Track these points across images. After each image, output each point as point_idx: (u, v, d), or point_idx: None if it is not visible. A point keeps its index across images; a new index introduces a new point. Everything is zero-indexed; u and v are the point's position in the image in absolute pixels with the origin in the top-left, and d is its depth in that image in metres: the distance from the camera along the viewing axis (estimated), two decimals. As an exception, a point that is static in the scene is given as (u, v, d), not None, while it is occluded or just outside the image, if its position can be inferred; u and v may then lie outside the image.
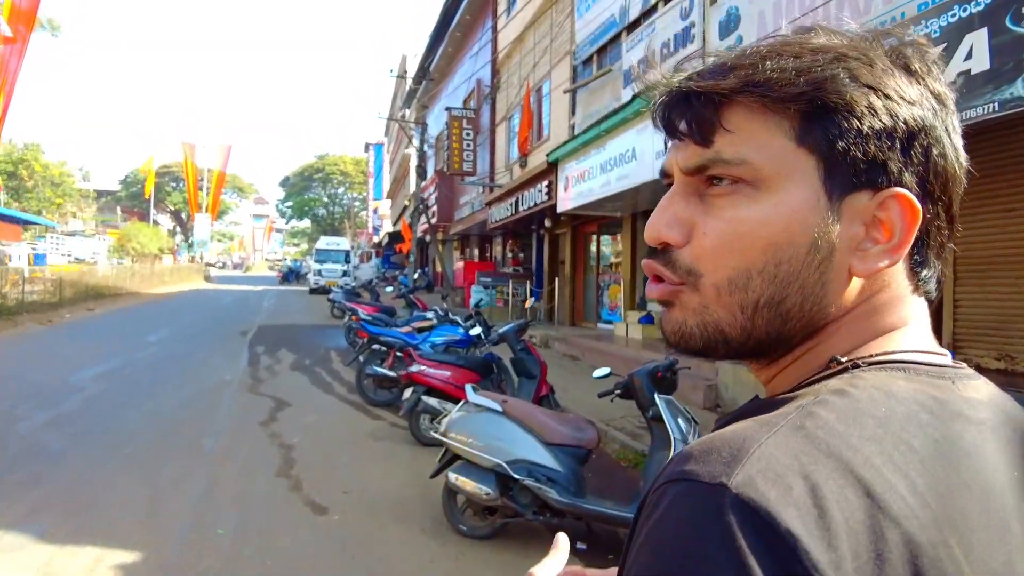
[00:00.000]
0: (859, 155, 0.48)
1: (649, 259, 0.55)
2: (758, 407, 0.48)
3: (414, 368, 5.93)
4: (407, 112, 29.33)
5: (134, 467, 5.03)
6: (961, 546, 0.41)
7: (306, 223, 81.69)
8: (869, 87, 0.48)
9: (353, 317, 12.12)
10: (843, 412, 0.43)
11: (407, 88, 30.99)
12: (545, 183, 12.34)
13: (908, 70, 0.51)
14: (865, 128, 0.48)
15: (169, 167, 60.34)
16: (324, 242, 31.15)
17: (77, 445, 5.58)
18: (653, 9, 9.49)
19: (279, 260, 58.43)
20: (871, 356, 0.49)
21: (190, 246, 56.28)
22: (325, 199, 76.47)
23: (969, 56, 4.47)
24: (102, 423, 6.31)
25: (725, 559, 0.36)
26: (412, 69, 28.00)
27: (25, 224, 28.59)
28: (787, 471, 0.39)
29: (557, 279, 12.82)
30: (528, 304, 7.03)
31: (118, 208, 60.91)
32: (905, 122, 0.49)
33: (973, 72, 4.41)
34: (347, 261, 29.91)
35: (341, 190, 76.45)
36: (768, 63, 0.49)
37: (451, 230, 23.33)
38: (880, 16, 5.32)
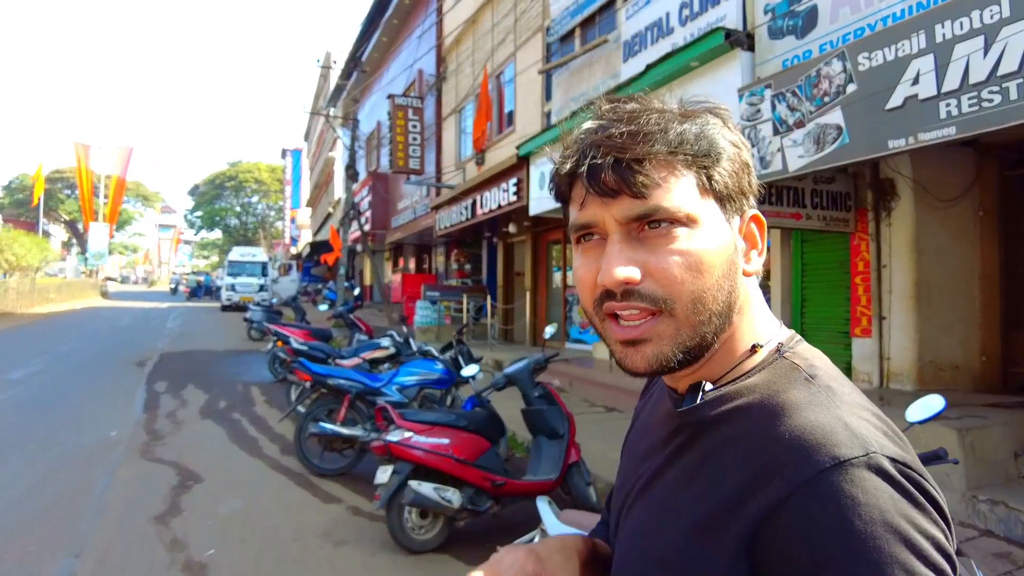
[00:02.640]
0: (735, 190, 0.66)
1: (609, 302, 0.64)
2: (738, 393, 0.65)
3: (393, 436, 3.93)
4: (333, 110, 26.84)
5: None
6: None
7: (217, 234, 76.89)
8: (727, 139, 0.66)
9: (278, 343, 9.94)
10: (832, 377, 0.63)
11: (332, 86, 28.59)
12: (513, 181, 10.49)
13: (723, 120, 0.67)
14: (733, 169, 0.66)
15: (62, 172, 54.92)
16: (238, 253, 28.03)
17: None
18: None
19: (187, 274, 52.87)
20: (784, 337, 0.70)
21: (86, 259, 51.06)
22: (238, 208, 72.36)
23: None
24: None
25: (914, 495, 0.53)
26: (338, 68, 25.66)
27: None
28: (872, 429, 0.57)
29: (528, 295, 10.99)
30: (547, 332, 5.14)
31: None
32: (743, 159, 0.67)
33: None
34: (264, 274, 26.94)
35: (255, 199, 72.61)
36: (674, 126, 0.64)
37: (387, 238, 21.10)
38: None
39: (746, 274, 0.67)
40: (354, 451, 5.42)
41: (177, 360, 12.14)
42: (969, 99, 3.85)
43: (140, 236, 78.17)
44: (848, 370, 7.01)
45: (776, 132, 5.14)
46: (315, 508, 4.67)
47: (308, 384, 5.55)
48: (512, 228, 12.04)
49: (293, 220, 56.83)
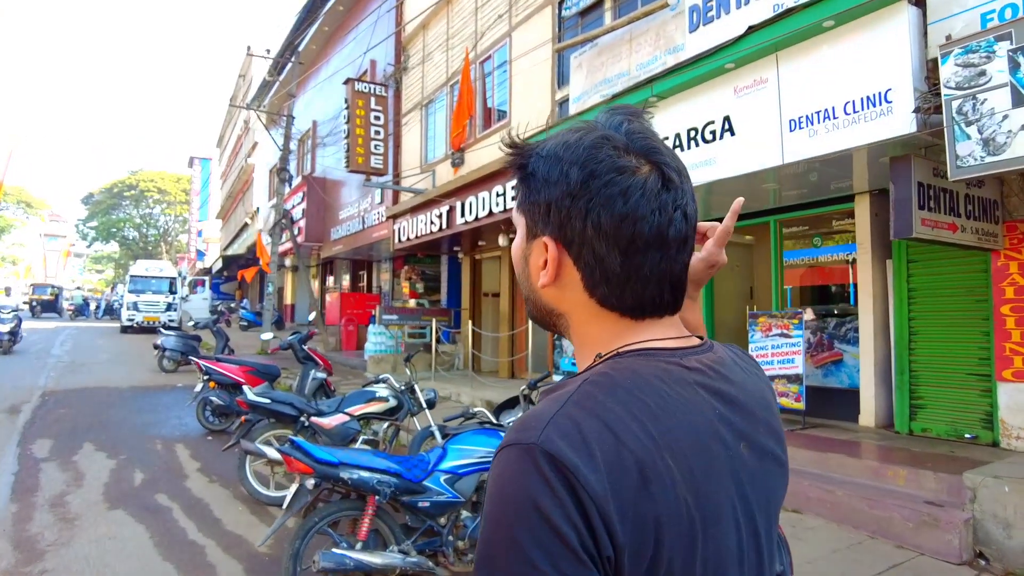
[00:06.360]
0: (536, 214, 0.76)
1: None
2: (565, 384, 0.73)
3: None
4: (260, 108, 24.04)
5: None
6: (672, 458, 0.65)
7: (114, 247, 70.50)
8: (561, 177, 0.73)
9: (210, 383, 7.68)
10: (603, 386, 0.68)
11: (255, 85, 25.85)
12: (512, 184, 8.61)
13: (577, 164, 0.73)
14: (543, 199, 0.74)
15: (-73, 173, 48.34)
16: (142, 267, 24.50)
17: None
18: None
19: (74, 288, 44.23)
20: (623, 348, 0.74)
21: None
22: (138, 220, 66.71)
23: None
24: None
25: (538, 485, 0.60)
26: (262, 65, 22.98)
27: None
28: (570, 429, 0.63)
29: (529, 321, 9.10)
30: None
31: None
32: (545, 199, 0.74)
33: None
34: (172, 291, 23.59)
35: (157, 210, 67.26)
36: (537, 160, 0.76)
37: (323, 252, 18.64)
38: None
39: (541, 287, 0.77)
40: (384, 587, 3.35)
41: (66, 403, 9.42)
42: None
43: (21, 247, 70.49)
44: (990, 422, 5.55)
45: (1018, 102, 3.56)
46: None
47: (309, 482, 3.42)
48: (502, 241, 10.13)
49: (200, 233, 52.79)
